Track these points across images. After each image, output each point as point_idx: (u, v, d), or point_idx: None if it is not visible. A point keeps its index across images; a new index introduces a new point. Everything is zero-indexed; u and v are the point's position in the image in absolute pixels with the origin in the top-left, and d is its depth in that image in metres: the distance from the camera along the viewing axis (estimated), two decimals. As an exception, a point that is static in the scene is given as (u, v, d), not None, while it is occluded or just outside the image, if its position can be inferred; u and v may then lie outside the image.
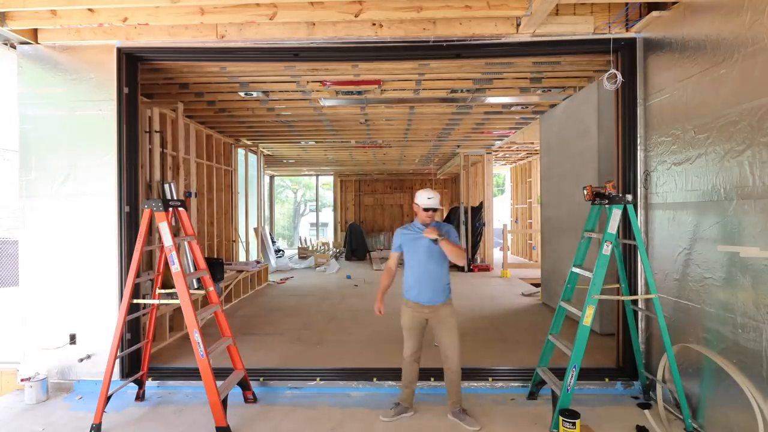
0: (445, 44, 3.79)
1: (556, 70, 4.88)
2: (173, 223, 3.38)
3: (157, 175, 5.16)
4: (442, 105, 6.26)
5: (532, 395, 3.52)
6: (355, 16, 3.52)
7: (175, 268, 3.13)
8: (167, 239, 3.17)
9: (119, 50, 3.81)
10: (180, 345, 4.79)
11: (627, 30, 3.68)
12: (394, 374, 3.81)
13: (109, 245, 3.78)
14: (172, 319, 5.06)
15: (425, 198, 3.21)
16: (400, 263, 3.42)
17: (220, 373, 3.26)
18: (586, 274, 3.18)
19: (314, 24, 3.73)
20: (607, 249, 3.07)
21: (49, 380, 3.73)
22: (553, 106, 6.32)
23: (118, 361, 3.52)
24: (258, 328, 5.51)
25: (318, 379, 3.75)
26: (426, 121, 7.36)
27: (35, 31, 3.80)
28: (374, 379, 3.72)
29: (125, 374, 3.76)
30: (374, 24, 3.70)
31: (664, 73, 3.40)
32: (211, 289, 3.52)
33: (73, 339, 3.77)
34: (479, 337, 5.02)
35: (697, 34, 3.00)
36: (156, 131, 5.22)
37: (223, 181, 8.18)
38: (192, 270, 5.13)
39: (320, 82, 5.22)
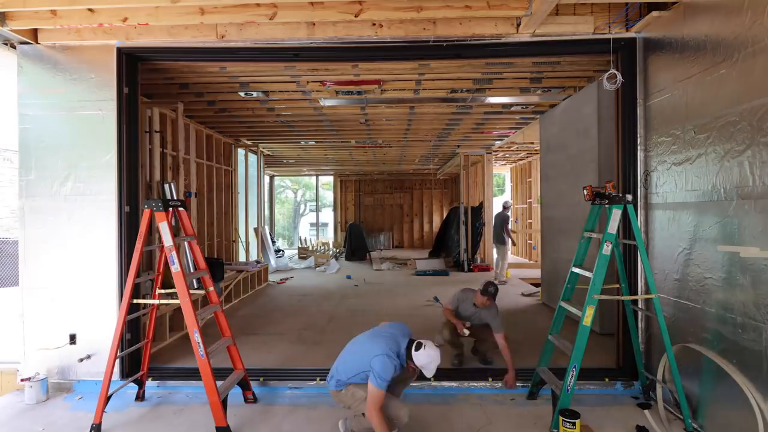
0: (445, 44, 3.79)
1: (556, 70, 4.88)
2: (173, 223, 3.38)
3: (157, 175, 5.16)
4: (442, 105, 6.26)
5: (532, 395, 3.52)
6: (355, 16, 3.52)
7: (175, 268, 3.13)
8: (167, 239, 3.17)
9: (119, 50, 3.81)
10: (180, 345, 4.78)
11: (627, 30, 3.68)
12: (394, 374, 3.82)
13: (109, 245, 3.78)
14: (172, 319, 5.05)
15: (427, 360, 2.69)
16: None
17: (220, 373, 3.26)
18: (586, 274, 3.18)
19: (314, 24, 3.73)
20: (607, 249, 3.07)
21: (49, 380, 3.73)
22: (553, 106, 6.32)
23: (118, 361, 3.52)
24: (258, 328, 5.51)
25: (318, 379, 3.74)
26: (426, 121, 7.36)
27: (35, 31, 3.79)
28: (374, 379, 3.71)
29: (125, 374, 3.76)
30: (374, 24, 3.70)
31: (664, 73, 3.40)
32: (211, 289, 3.52)
33: (73, 339, 3.77)
34: (479, 337, 5.01)
35: (697, 34, 3.00)
36: (156, 131, 5.22)
37: (223, 181, 8.17)
38: (192, 270, 5.13)
39: (320, 82, 5.22)
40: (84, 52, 3.82)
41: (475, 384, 3.68)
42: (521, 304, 6.84)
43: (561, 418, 2.82)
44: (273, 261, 10.51)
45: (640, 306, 3.59)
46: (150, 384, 3.75)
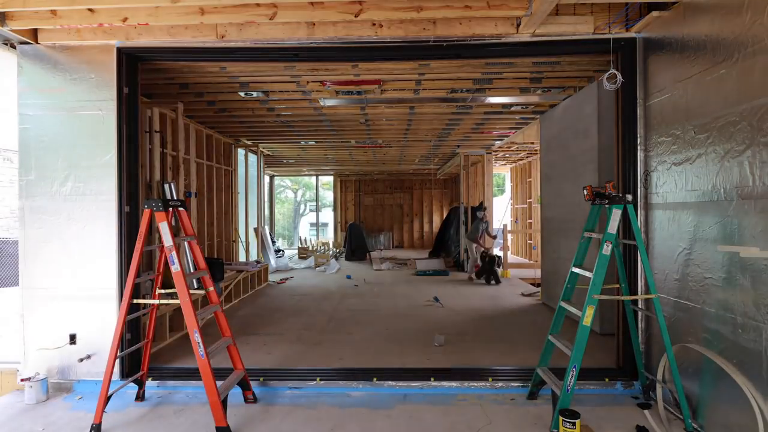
0: (445, 44, 3.79)
1: (556, 70, 4.88)
2: (173, 223, 3.38)
3: (157, 175, 5.16)
4: (442, 105, 6.26)
5: (532, 395, 3.52)
6: (355, 16, 3.52)
7: (175, 268, 3.13)
8: (167, 239, 3.17)
9: (119, 50, 3.81)
10: (180, 345, 4.78)
11: (627, 30, 3.68)
12: (395, 374, 3.82)
13: (109, 245, 3.77)
14: (172, 319, 5.05)
15: None
16: None
17: (220, 373, 3.26)
18: (586, 274, 3.19)
19: (314, 24, 3.73)
20: (607, 249, 3.08)
21: (49, 380, 3.73)
22: (553, 106, 6.33)
23: (118, 361, 3.52)
24: (258, 328, 5.51)
25: (318, 379, 3.75)
26: (426, 121, 7.37)
27: (35, 31, 3.79)
28: (374, 379, 3.72)
29: (125, 374, 3.76)
30: (374, 24, 3.70)
31: (664, 73, 3.40)
32: (211, 289, 3.52)
33: (73, 339, 3.77)
34: (479, 337, 5.02)
35: (697, 34, 3.00)
36: (156, 131, 5.22)
37: (223, 181, 8.18)
38: (192, 270, 5.13)
39: (320, 82, 5.22)
40: (84, 52, 3.82)
41: (475, 384, 3.68)
42: (521, 304, 6.84)
43: (561, 418, 2.82)
44: (273, 261, 10.52)
45: (640, 306, 3.59)
46: (150, 384, 3.75)
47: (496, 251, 10.49)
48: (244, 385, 3.50)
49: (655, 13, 3.40)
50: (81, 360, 3.74)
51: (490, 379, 3.72)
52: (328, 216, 23.68)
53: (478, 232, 9.07)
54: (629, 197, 3.15)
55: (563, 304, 3.40)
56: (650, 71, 3.58)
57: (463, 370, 3.93)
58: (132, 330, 3.84)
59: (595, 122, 4.99)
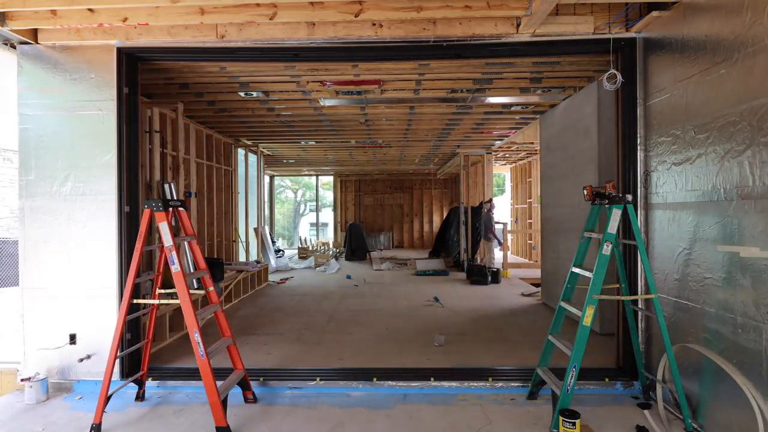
0: (445, 44, 3.79)
1: (556, 70, 4.88)
2: (173, 223, 3.38)
3: (157, 175, 5.16)
4: (442, 105, 6.26)
5: (532, 395, 3.52)
6: (355, 16, 3.52)
7: (175, 268, 3.13)
8: (167, 239, 3.17)
9: (119, 50, 3.81)
10: (180, 345, 4.78)
11: (627, 30, 3.68)
12: (394, 374, 3.82)
13: (109, 245, 3.78)
14: (172, 319, 5.05)
15: None
16: None
17: (220, 373, 3.26)
18: (586, 274, 3.19)
19: (314, 24, 3.73)
20: (607, 249, 3.08)
21: (49, 380, 3.73)
22: (553, 106, 6.32)
23: (118, 361, 3.52)
24: (258, 328, 5.51)
25: (318, 379, 3.75)
26: (426, 121, 7.37)
27: (35, 31, 3.79)
28: (374, 379, 3.72)
29: (125, 374, 3.76)
30: (374, 24, 3.70)
31: (664, 73, 3.40)
32: (211, 289, 3.52)
33: (73, 339, 3.77)
34: (479, 337, 5.02)
35: (697, 34, 3.00)
36: (156, 131, 5.22)
37: (223, 181, 8.18)
38: (192, 270, 5.13)
39: (320, 82, 5.22)
40: (84, 52, 3.82)
41: (475, 384, 3.68)
42: (521, 304, 6.84)
43: (561, 418, 2.82)
44: (273, 261, 10.51)
45: (640, 306, 3.59)
46: (150, 384, 3.75)
47: (496, 251, 10.52)
48: (244, 385, 3.50)
49: (655, 13, 3.41)
50: (81, 360, 3.74)
51: (490, 379, 3.72)
52: (328, 216, 23.69)
53: (491, 222, 9.09)
54: (629, 197, 3.15)
55: (563, 304, 3.40)
56: (650, 71, 3.58)
57: (463, 370, 3.93)
58: (132, 330, 3.84)
59: (595, 122, 4.99)
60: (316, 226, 20.22)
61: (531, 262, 11.93)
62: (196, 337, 3.02)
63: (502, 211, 17.90)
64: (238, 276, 7.20)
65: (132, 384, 3.54)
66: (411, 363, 4.16)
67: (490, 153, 10.68)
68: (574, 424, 2.77)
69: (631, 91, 3.70)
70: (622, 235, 3.63)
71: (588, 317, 2.99)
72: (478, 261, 10.57)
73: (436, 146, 10.02)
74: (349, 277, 9.86)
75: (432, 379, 3.70)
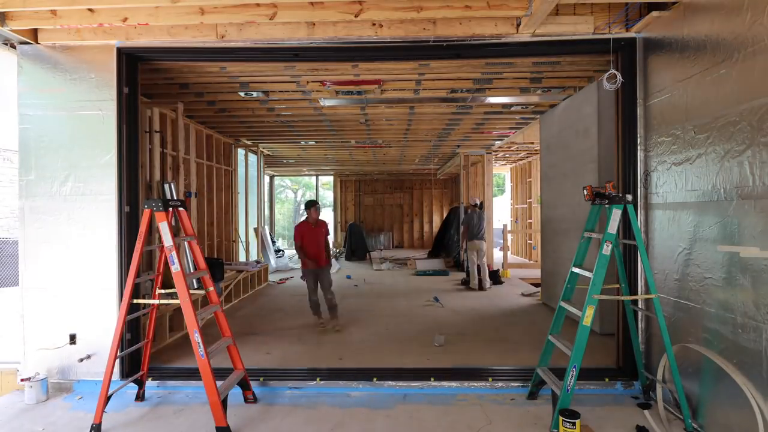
0: (445, 44, 3.79)
1: (556, 70, 4.88)
2: (173, 223, 3.38)
3: (157, 175, 5.16)
4: (442, 105, 6.26)
5: (532, 395, 3.52)
6: (355, 16, 3.52)
7: (175, 268, 3.12)
8: (167, 239, 3.17)
9: (119, 50, 3.81)
10: (180, 345, 4.79)
11: (627, 30, 3.68)
12: (394, 374, 3.82)
13: (109, 245, 3.77)
14: (172, 319, 5.05)
15: None
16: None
17: (220, 373, 3.26)
18: (586, 274, 3.18)
19: (314, 24, 3.73)
20: (607, 249, 3.07)
21: (49, 380, 3.73)
22: (553, 106, 6.32)
23: (118, 361, 3.52)
24: (258, 328, 5.51)
25: (318, 379, 3.75)
26: (426, 121, 7.36)
27: (35, 31, 3.79)
28: (374, 379, 3.72)
29: (125, 374, 3.76)
30: (374, 24, 3.70)
31: (664, 73, 3.40)
32: (211, 289, 3.52)
33: (73, 339, 3.77)
34: (479, 337, 5.02)
35: (697, 34, 3.00)
36: (156, 131, 5.22)
37: (223, 181, 8.17)
38: (192, 270, 5.13)
39: (320, 82, 5.21)
40: (84, 52, 3.82)
41: (475, 384, 3.68)
42: (521, 304, 6.84)
43: (561, 418, 2.82)
44: (273, 261, 10.51)
45: (640, 306, 3.59)
46: (150, 384, 3.75)
47: (496, 251, 10.49)
48: (244, 385, 3.50)
49: (655, 13, 3.40)
50: (81, 360, 3.74)
51: (490, 379, 3.72)
52: (328, 216, 23.66)
53: (483, 220, 8.97)
54: (629, 197, 3.15)
55: (563, 304, 3.40)
56: (650, 71, 3.58)
57: (463, 370, 3.93)
58: (132, 330, 3.84)
59: (595, 122, 4.99)
60: (317, 226, 20.15)
61: (531, 262, 11.92)
62: (196, 337, 3.02)
63: (502, 211, 17.93)
64: (238, 276, 7.20)
65: (132, 384, 3.54)
66: (411, 363, 4.16)
67: (490, 153, 10.68)
68: (574, 424, 2.77)
69: (631, 91, 3.70)
70: (622, 235, 3.63)
71: (588, 317, 2.99)
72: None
73: (436, 146, 10.02)
74: (349, 277, 9.86)
75: (432, 379, 3.70)
